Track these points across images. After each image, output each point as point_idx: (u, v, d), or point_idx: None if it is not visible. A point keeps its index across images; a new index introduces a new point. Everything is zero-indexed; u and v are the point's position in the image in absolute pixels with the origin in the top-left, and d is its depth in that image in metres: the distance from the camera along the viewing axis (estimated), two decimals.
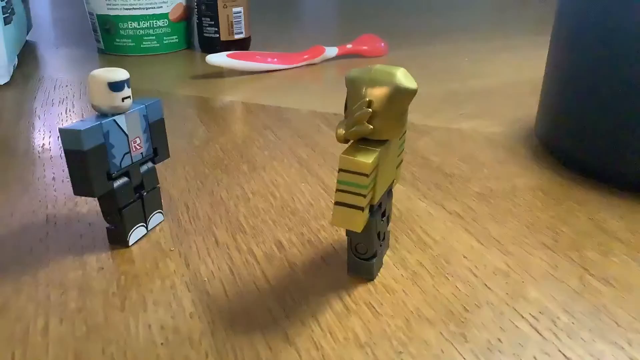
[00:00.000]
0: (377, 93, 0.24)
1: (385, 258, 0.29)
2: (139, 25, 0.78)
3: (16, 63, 0.75)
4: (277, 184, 0.38)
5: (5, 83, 0.66)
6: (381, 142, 0.25)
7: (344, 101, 0.26)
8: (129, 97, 0.28)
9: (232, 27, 0.78)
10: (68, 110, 0.55)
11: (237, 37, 0.79)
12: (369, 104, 0.24)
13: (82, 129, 0.26)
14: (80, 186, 0.28)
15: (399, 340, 0.23)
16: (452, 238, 0.31)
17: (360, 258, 0.27)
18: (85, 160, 0.27)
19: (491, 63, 0.74)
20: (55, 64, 0.77)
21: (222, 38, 0.78)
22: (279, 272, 0.28)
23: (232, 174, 0.40)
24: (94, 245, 0.31)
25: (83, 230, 0.32)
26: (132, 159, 0.30)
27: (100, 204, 0.30)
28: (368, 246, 0.27)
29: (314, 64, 0.74)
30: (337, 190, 0.24)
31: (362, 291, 0.27)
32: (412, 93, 0.24)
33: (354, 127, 0.24)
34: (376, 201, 0.25)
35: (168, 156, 0.33)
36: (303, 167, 0.41)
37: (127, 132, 0.29)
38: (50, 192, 0.37)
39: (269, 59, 0.69)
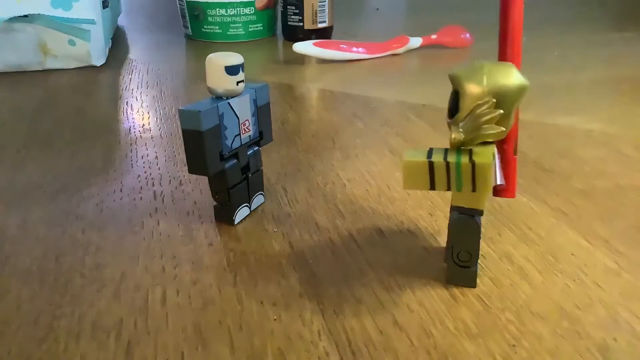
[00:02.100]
0: (499, 92, 0.23)
1: (490, 252, 0.29)
2: (226, 12, 0.80)
3: (110, 46, 0.78)
4: (372, 173, 0.38)
5: (101, 65, 0.70)
6: (490, 145, 0.24)
7: (448, 103, 0.24)
8: (242, 80, 0.29)
9: (316, 16, 0.78)
10: (163, 93, 0.57)
11: (320, 25, 0.79)
12: (496, 104, 0.23)
13: (201, 110, 0.27)
14: (196, 165, 0.29)
15: (512, 334, 0.23)
16: (557, 235, 0.30)
17: (462, 266, 0.26)
18: (203, 140, 0.28)
19: (581, 57, 0.71)
20: (145, 48, 0.80)
21: (306, 26, 0.79)
22: (381, 259, 0.28)
23: (325, 160, 0.41)
24: (201, 222, 0.32)
25: (189, 207, 0.34)
26: (241, 141, 0.31)
27: (210, 183, 0.31)
28: (472, 252, 0.25)
29: (397, 54, 0.73)
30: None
31: None
32: (527, 89, 0.23)
33: (481, 131, 0.23)
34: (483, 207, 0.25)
35: (272, 139, 0.34)
36: (396, 157, 0.41)
37: (238, 115, 0.30)
38: (154, 171, 0.39)
39: (354, 48, 0.69)
